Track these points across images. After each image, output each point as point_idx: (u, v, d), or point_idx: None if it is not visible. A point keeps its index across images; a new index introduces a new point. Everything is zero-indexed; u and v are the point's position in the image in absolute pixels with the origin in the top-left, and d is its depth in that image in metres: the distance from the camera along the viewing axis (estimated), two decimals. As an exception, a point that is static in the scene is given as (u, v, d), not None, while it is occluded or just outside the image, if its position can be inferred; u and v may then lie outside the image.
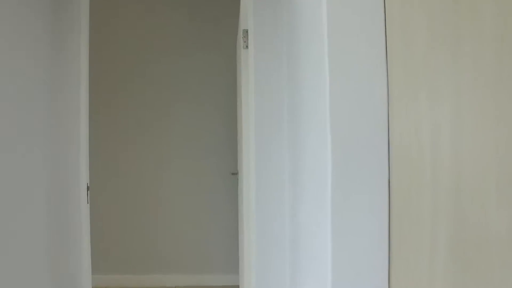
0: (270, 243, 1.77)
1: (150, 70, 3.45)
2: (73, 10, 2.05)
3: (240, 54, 2.14)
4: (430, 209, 0.90)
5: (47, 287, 1.96)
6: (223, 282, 3.40)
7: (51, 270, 2.03)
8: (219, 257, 3.41)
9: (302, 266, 1.45)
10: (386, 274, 0.97)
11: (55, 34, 2.05)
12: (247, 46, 1.84)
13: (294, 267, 1.64)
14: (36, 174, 1.91)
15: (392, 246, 0.97)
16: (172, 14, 3.46)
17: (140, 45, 3.44)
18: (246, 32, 1.84)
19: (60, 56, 2.05)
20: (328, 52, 0.98)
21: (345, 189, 0.98)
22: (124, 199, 3.41)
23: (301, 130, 1.44)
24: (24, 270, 1.78)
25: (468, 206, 0.84)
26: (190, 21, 3.46)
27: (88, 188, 2.12)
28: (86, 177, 2.10)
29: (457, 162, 0.86)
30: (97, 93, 3.42)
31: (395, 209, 0.96)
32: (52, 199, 2.04)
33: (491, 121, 0.81)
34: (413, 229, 0.93)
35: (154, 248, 3.40)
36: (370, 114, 0.97)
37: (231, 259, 3.41)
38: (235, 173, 2.77)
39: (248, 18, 1.76)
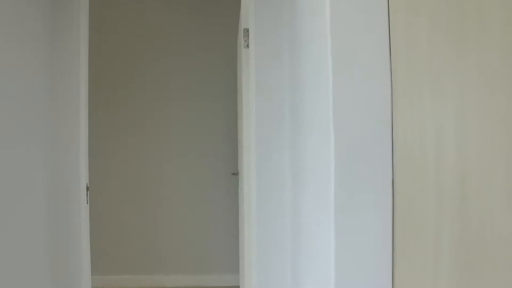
0: (271, 243, 1.76)
1: (150, 70, 3.44)
2: (73, 9, 2.04)
3: (240, 53, 2.13)
4: (434, 209, 0.90)
5: (47, 287, 1.95)
6: (223, 282, 3.39)
7: (50, 271, 2.02)
8: (219, 257, 3.40)
9: (303, 266, 1.45)
10: (390, 274, 0.97)
11: (55, 34, 2.04)
12: (247, 45, 1.83)
13: (295, 267, 1.63)
14: (36, 174, 1.90)
15: (396, 246, 0.96)
16: (172, 14, 3.45)
17: (139, 45, 3.43)
18: (246, 31, 1.83)
19: (60, 55, 2.05)
20: (331, 51, 0.97)
21: (349, 188, 0.97)
22: (123, 200, 3.39)
23: (302, 129, 1.43)
24: (24, 271, 1.77)
25: (472, 207, 0.83)
26: (190, 20, 3.45)
27: (87, 188, 2.11)
28: (85, 177, 2.09)
29: (461, 162, 0.85)
30: (97, 93, 3.41)
31: (399, 209, 0.96)
32: (52, 199, 2.03)
33: (496, 121, 0.80)
34: (417, 229, 0.92)
35: (154, 248, 3.39)
36: (373, 113, 0.97)
37: (231, 259, 3.40)
38: (235, 173, 2.76)
39: (248, 17, 1.75)
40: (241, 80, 2.23)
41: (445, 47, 0.88)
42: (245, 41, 1.84)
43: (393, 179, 0.96)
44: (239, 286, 3.24)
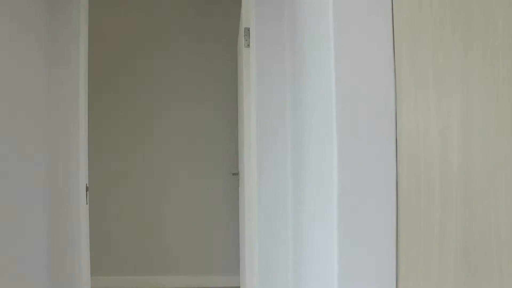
0: (273, 244, 1.74)
1: (150, 70, 3.42)
2: (72, 9, 2.02)
3: (241, 52, 2.11)
4: (438, 211, 0.88)
5: (46, 289, 1.94)
6: (223, 283, 3.37)
7: (50, 271, 2.01)
8: (219, 258, 3.38)
9: (305, 267, 1.43)
10: (394, 276, 0.95)
11: (54, 33, 2.02)
12: (248, 45, 1.82)
13: (297, 268, 1.61)
14: (35, 175, 1.89)
15: (400, 248, 0.94)
16: (172, 13, 3.44)
17: (139, 44, 3.42)
18: (247, 30, 1.81)
19: (59, 55, 2.03)
20: (334, 50, 0.95)
21: (352, 189, 0.95)
22: (123, 200, 3.38)
23: (304, 128, 1.42)
24: (23, 271, 1.76)
25: (477, 208, 0.81)
26: (190, 20, 3.44)
27: (87, 189, 2.10)
28: (85, 178, 2.07)
29: (466, 162, 0.83)
30: (96, 93, 3.39)
31: (403, 210, 0.94)
32: (51, 199, 2.02)
33: (502, 121, 0.78)
34: (421, 231, 0.90)
35: (154, 249, 3.37)
36: (377, 113, 0.95)
37: (231, 260, 3.39)
38: (236, 174, 2.74)
39: (249, 16, 1.73)
40: (241, 79, 2.22)
41: (450, 46, 0.86)
42: (246, 40, 1.82)
43: (397, 180, 0.94)
44: (239, 287, 3.23)
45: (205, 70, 3.43)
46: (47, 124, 2.01)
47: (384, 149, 0.95)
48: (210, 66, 3.43)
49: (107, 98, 3.40)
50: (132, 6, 3.43)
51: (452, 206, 0.86)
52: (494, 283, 0.79)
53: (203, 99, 3.43)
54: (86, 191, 2.09)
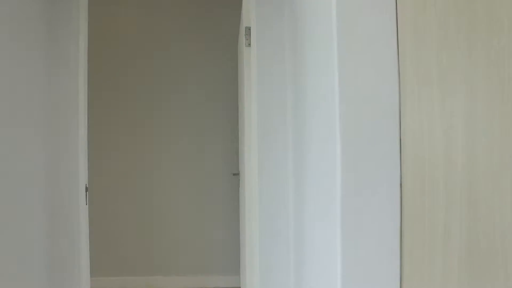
0: (274, 244, 1.74)
1: (150, 70, 3.41)
2: (71, 8, 2.01)
3: (242, 52, 2.11)
4: (443, 212, 0.87)
5: (45, 290, 1.93)
6: (223, 283, 3.37)
7: (49, 272, 2.00)
8: (219, 258, 3.38)
9: (307, 266, 1.43)
10: (398, 277, 0.94)
11: (53, 33, 2.01)
12: (249, 44, 1.81)
13: (298, 267, 1.61)
14: (35, 175, 1.87)
15: (404, 248, 0.94)
16: (172, 12, 3.42)
17: (139, 44, 3.41)
18: (248, 29, 1.80)
19: (59, 55, 2.02)
20: (338, 50, 0.95)
21: (355, 189, 0.95)
22: (123, 200, 3.37)
23: (305, 127, 1.41)
24: (23, 272, 1.75)
25: (482, 208, 0.81)
26: (190, 19, 3.43)
27: (86, 189, 2.09)
28: (84, 178, 2.06)
29: (471, 163, 0.83)
30: (96, 93, 3.38)
31: (407, 211, 0.93)
32: (51, 200, 2.01)
33: (507, 120, 0.78)
34: (426, 231, 0.90)
35: (154, 249, 3.37)
36: (380, 113, 0.94)
37: (231, 260, 3.38)
38: (236, 174, 2.74)
39: (250, 15, 1.72)
40: (242, 79, 2.21)
41: (454, 46, 0.85)
42: (247, 39, 1.81)
43: (401, 180, 0.94)
44: (239, 287, 3.22)
45: (205, 69, 3.42)
46: (46, 124, 1.99)
47: (388, 149, 0.94)
48: (210, 66, 3.42)
49: (107, 97, 3.39)
50: (132, 5, 3.42)
51: (456, 207, 0.86)
52: (499, 283, 0.78)
53: (203, 99, 3.42)
54: (86, 192, 2.08)
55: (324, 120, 1.11)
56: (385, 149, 0.94)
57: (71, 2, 2.01)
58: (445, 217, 0.87)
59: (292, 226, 1.72)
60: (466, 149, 0.84)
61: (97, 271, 3.31)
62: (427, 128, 0.90)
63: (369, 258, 0.95)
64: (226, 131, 3.41)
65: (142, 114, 3.40)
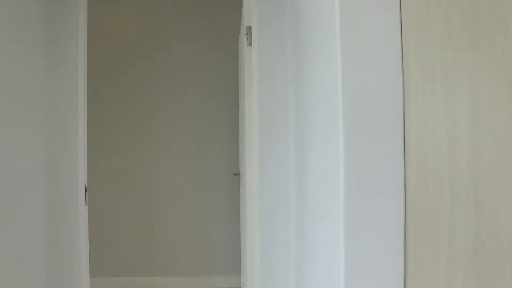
0: (275, 241, 1.73)
1: (150, 69, 3.40)
2: (71, 8, 2.00)
3: (242, 51, 2.10)
4: (447, 211, 0.87)
5: (45, 291, 1.92)
6: (223, 284, 3.36)
7: (49, 272, 1.99)
8: (220, 258, 3.37)
9: (309, 265, 1.42)
10: (402, 278, 0.94)
11: (53, 32, 2.00)
12: (250, 43, 1.80)
13: (300, 266, 1.60)
14: (34, 175, 1.86)
15: (408, 248, 0.93)
16: (172, 11, 3.41)
17: (139, 43, 3.40)
18: (249, 28, 1.80)
19: (58, 54, 2.01)
20: (341, 47, 0.94)
21: (359, 189, 0.94)
22: (123, 201, 3.36)
23: (307, 126, 1.40)
24: (22, 272, 1.74)
25: (487, 207, 0.80)
26: (190, 19, 3.42)
27: (86, 190, 2.07)
28: (84, 179, 2.05)
29: (475, 162, 0.82)
30: (96, 93, 3.36)
31: (411, 210, 0.93)
32: (50, 200, 2.00)
33: (511, 119, 0.77)
34: (430, 231, 0.89)
35: (154, 250, 3.35)
36: (384, 112, 0.94)
37: (232, 261, 3.37)
38: (236, 174, 2.73)
39: (251, 14, 1.72)
40: (243, 78, 2.20)
41: (458, 44, 0.85)
42: (248, 39, 1.80)
43: (405, 179, 0.93)
44: None
45: (205, 69, 3.41)
46: (46, 124, 1.98)
47: (391, 147, 0.94)
48: (210, 66, 3.41)
49: (107, 97, 3.38)
50: (132, 5, 3.41)
51: (461, 205, 0.85)
52: (505, 283, 0.78)
53: (203, 98, 3.41)
54: (85, 192, 2.07)
55: (327, 118, 1.10)
56: (388, 147, 0.94)
57: (70, 1, 2.00)
58: (450, 216, 0.87)
59: (294, 225, 1.71)
60: (471, 147, 0.84)
61: (97, 271, 3.30)
62: (431, 126, 0.90)
63: (372, 257, 0.94)
64: (227, 131, 3.40)
65: (142, 114, 3.39)
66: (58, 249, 2.00)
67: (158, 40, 3.40)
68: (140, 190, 3.37)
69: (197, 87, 3.41)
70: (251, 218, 1.85)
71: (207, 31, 3.41)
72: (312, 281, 1.36)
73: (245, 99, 1.97)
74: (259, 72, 1.67)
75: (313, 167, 1.32)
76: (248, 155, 1.95)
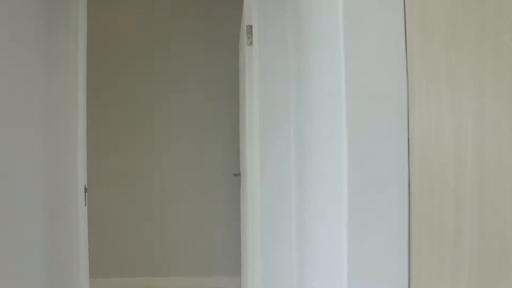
0: (275, 241, 1.72)
1: (150, 69, 3.39)
2: (70, 7, 1.99)
3: (243, 51, 2.09)
4: (452, 211, 0.86)
5: (45, 292, 1.91)
6: (224, 284, 3.35)
7: (48, 273, 1.98)
8: (220, 259, 3.36)
9: (310, 265, 1.41)
10: (406, 279, 0.93)
11: (52, 32, 1.99)
12: (251, 43, 1.79)
13: (301, 266, 1.60)
14: (33, 176, 1.85)
15: (412, 249, 0.92)
16: (172, 11, 3.40)
17: (139, 43, 3.38)
18: (250, 28, 1.79)
19: (57, 54, 2.00)
20: (344, 47, 0.93)
21: (362, 189, 0.93)
22: (123, 201, 3.35)
23: (309, 126, 1.40)
24: (22, 273, 1.73)
25: (493, 208, 0.80)
26: (190, 18, 3.41)
27: (85, 190, 2.06)
28: (83, 179, 2.04)
29: (481, 162, 0.82)
30: (96, 93, 3.35)
31: (415, 211, 0.92)
32: (50, 201, 1.99)
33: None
34: (435, 232, 0.89)
35: (154, 250, 3.34)
36: (388, 112, 0.93)
37: (232, 261, 3.36)
38: (237, 174, 2.72)
39: (252, 13, 1.71)
40: (243, 78, 2.20)
41: (463, 43, 0.84)
42: (248, 38, 1.80)
43: (409, 179, 0.93)
44: (239, 288, 3.21)
45: (205, 69, 3.40)
46: (45, 124, 1.97)
47: (395, 147, 0.93)
48: (210, 65, 3.40)
49: (107, 97, 3.37)
50: (132, 5, 3.39)
51: (466, 205, 0.84)
52: (511, 283, 0.77)
53: (204, 98, 3.40)
54: (85, 192, 2.06)
55: (330, 117, 1.10)
56: (392, 147, 0.93)
57: (70, 1, 1.99)
58: (455, 216, 0.86)
59: (295, 225, 1.71)
60: (476, 147, 0.83)
61: (96, 272, 3.29)
62: (435, 126, 0.89)
63: (376, 257, 0.94)
64: (227, 131, 3.39)
65: (142, 114, 3.38)
66: (58, 250, 1.99)
67: (158, 40, 3.39)
68: (140, 190, 3.36)
69: (197, 87, 3.40)
70: (252, 218, 1.85)
71: (207, 31, 3.40)
72: (314, 281, 1.35)
73: (245, 98, 1.96)
74: (260, 72, 1.66)
75: (314, 167, 1.32)
76: (248, 155, 1.94)
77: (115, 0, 3.38)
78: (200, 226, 3.37)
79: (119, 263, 3.32)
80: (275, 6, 1.66)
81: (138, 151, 3.37)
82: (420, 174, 0.91)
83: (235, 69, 3.39)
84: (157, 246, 3.35)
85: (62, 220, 1.99)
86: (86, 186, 2.07)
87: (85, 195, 2.05)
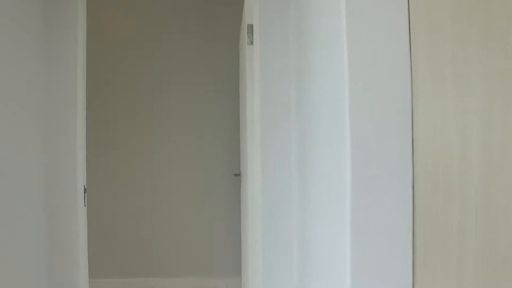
0: (277, 241, 1.72)
1: (150, 69, 3.38)
2: (70, 7, 1.98)
3: (243, 50, 2.08)
4: (457, 212, 0.86)
5: (44, 293, 1.90)
6: (224, 285, 3.34)
7: (48, 274, 1.97)
8: (220, 259, 3.35)
9: (312, 265, 1.41)
10: (410, 276, 0.93)
11: (51, 32, 1.98)
12: (251, 42, 1.79)
13: (303, 266, 1.59)
14: (33, 176, 1.84)
15: (417, 250, 0.92)
16: (172, 10, 3.39)
17: (139, 43, 3.37)
18: (250, 27, 1.78)
19: (57, 55, 1.99)
20: (348, 46, 0.93)
21: (366, 190, 0.93)
22: (122, 201, 3.33)
23: (310, 125, 1.39)
24: (21, 274, 1.72)
25: (498, 209, 0.79)
26: (190, 18, 3.39)
27: (85, 190, 2.05)
28: (83, 179, 2.03)
29: (487, 162, 0.81)
30: (96, 93, 3.34)
31: (420, 211, 0.92)
32: (49, 201, 1.97)
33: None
34: (439, 232, 0.88)
35: (154, 251, 3.33)
36: (392, 111, 0.93)
37: (233, 261, 3.36)
38: (237, 174, 2.71)
39: (253, 12, 1.70)
40: (244, 77, 2.19)
41: (469, 42, 0.84)
42: (249, 37, 1.79)
43: (413, 179, 0.92)
44: (239, 288, 3.20)
45: (205, 69, 3.39)
46: (45, 124, 1.96)
47: (399, 147, 0.93)
48: (210, 65, 3.39)
49: (107, 97, 3.35)
50: (132, 4, 3.38)
51: (471, 206, 0.84)
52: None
53: (204, 98, 3.39)
54: (84, 193, 2.04)
55: (331, 117, 1.09)
56: (396, 147, 0.93)
57: (69, 3, 1.98)
58: (460, 216, 0.86)
59: (296, 225, 1.70)
60: (481, 147, 0.82)
61: (96, 272, 3.27)
62: (440, 126, 0.88)
63: (380, 258, 0.93)
64: (227, 131, 3.38)
65: (142, 114, 3.36)
66: (57, 250, 1.98)
67: (158, 39, 3.37)
68: (140, 190, 3.35)
69: (197, 87, 3.39)
70: (253, 218, 1.84)
71: (207, 30, 3.39)
72: (315, 281, 1.35)
73: (246, 98, 1.95)
74: (261, 71, 1.65)
75: (317, 167, 1.31)
76: (249, 155, 1.93)
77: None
78: (200, 227, 3.36)
79: (118, 263, 3.31)
80: (277, 5, 1.65)
81: (138, 151, 3.36)
82: (425, 174, 0.91)
83: (235, 68, 3.38)
84: (157, 247, 3.34)
85: (61, 220, 1.98)
86: (85, 187, 2.06)
87: (84, 195, 2.04)
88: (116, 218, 3.32)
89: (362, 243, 0.93)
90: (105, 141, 3.34)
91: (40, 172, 1.92)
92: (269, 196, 1.71)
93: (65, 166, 1.99)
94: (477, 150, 0.83)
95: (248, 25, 1.78)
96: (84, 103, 2.06)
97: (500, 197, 0.79)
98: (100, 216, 3.31)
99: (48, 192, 1.97)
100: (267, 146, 1.68)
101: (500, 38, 0.79)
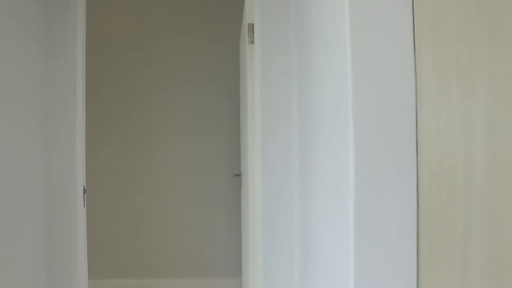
0: (278, 241, 1.71)
1: (150, 69, 3.37)
2: (69, 7, 1.97)
3: (244, 49, 2.08)
4: (462, 214, 0.85)
5: (44, 294, 1.89)
6: (224, 286, 3.33)
7: (47, 274, 1.96)
8: (220, 260, 3.34)
9: (314, 265, 1.40)
10: (414, 276, 0.92)
11: (51, 32, 1.97)
12: (252, 41, 1.78)
13: (304, 266, 1.58)
14: (32, 177, 1.83)
15: (421, 251, 0.91)
16: (172, 10, 3.38)
17: (139, 43, 3.36)
18: (251, 26, 1.77)
19: (56, 54, 1.98)
20: (351, 45, 0.92)
21: (370, 191, 0.92)
22: (122, 202, 3.32)
23: (312, 125, 1.38)
24: (21, 274, 1.71)
25: (504, 211, 0.79)
26: (190, 17, 3.39)
27: (84, 191, 2.04)
28: (82, 180, 2.02)
29: (492, 163, 0.80)
30: (95, 93, 3.33)
31: (424, 212, 0.91)
32: (48, 202, 1.96)
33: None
34: (444, 234, 0.88)
35: (154, 251, 3.32)
36: (396, 111, 0.92)
37: (233, 262, 3.35)
38: (238, 175, 2.71)
39: (254, 11, 1.69)
40: (244, 77, 2.18)
41: (475, 41, 0.83)
42: (250, 36, 1.78)
43: (417, 179, 0.92)
44: (239, 288, 3.19)
45: (205, 69, 3.38)
46: (44, 123, 1.95)
47: (403, 147, 0.92)
48: (210, 65, 3.38)
49: (107, 97, 3.34)
50: (131, 3, 3.37)
51: (476, 206, 0.83)
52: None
53: (204, 98, 3.38)
54: (84, 193, 2.03)
55: (334, 116, 1.08)
56: (401, 147, 0.92)
57: (69, 3, 1.97)
58: (464, 217, 0.85)
59: (297, 225, 1.69)
60: (486, 147, 0.82)
61: (96, 273, 3.26)
62: (444, 126, 0.88)
63: (384, 258, 0.93)
64: (227, 131, 3.37)
65: (142, 114, 3.35)
66: (57, 251, 1.97)
67: (158, 39, 3.36)
68: (140, 191, 3.34)
69: (197, 87, 3.38)
70: (253, 218, 1.83)
71: (207, 30, 3.38)
72: (317, 282, 1.34)
73: (247, 98, 1.95)
74: (262, 71, 1.64)
75: (318, 166, 1.30)
76: (250, 155, 1.92)
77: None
78: (200, 227, 3.35)
79: (118, 264, 3.30)
80: (277, 4, 1.64)
81: (138, 151, 3.34)
82: (429, 174, 0.90)
83: (236, 68, 3.37)
84: (156, 247, 3.33)
85: (61, 221, 1.97)
86: (85, 187, 2.05)
87: (84, 196, 2.03)
88: (115, 219, 3.31)
89: (366, 243, 0.93)
90: (105, 141, 3.33)
91: (39, 172, 1.91)
92: (269, 196, 1.70)
93: (65, 166, 1.98)
94: (481, 150, 0.82)
95: (248, 24, 1.78)
96: (83, 103, 2.05)
97: (504, 197, 0.79)
98: (99, 217, 3.30)
99: (47, 192, 1.96)
100: (268, 146, 1.68)
101: (507, 37, 0.78)
